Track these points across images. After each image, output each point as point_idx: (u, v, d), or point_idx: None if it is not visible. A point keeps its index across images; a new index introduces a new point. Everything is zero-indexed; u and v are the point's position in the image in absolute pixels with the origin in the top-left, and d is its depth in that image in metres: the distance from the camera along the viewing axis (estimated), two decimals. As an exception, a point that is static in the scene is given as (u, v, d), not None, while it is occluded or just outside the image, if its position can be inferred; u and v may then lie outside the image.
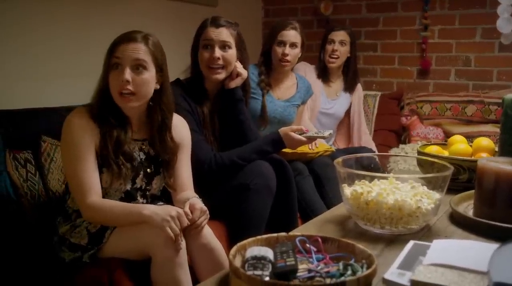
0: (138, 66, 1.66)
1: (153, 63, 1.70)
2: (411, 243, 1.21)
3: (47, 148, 2.12)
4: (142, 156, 1.79)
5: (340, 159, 1.46)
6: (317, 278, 1.00)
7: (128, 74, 1.64)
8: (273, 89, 2.73)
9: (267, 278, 0.97)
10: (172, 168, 1.85)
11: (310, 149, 2.62)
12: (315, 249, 1.12)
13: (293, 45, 2.66)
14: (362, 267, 1.01)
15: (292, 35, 2.67)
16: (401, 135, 3.51)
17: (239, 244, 1.10)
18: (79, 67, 2.64)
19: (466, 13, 3.51)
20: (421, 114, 3.45)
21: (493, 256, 0.94)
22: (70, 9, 2.62)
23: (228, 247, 1.68)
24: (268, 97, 2.67)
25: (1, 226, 1.84)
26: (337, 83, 3.18)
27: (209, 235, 1.71)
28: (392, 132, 3.46)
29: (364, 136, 3.22)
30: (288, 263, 1.03)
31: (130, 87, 1.65)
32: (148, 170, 1.81)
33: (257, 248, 1.09)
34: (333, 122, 3.17)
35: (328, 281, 0.97)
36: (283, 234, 1.19)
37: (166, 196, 1.92)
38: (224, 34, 2.07)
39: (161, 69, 1.74)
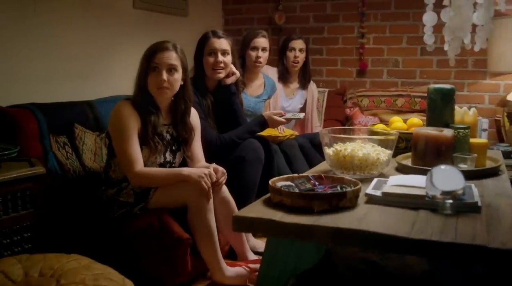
0: (171, 69, 2.24)
1: (180, 66, 2.28)
2: (375, 180, 1.89)
3: (79, 133, 2.64)
4: (169, 137, 2.37)
5: (324, 130, 2.13)
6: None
7: (164, 75, 2.22)
8: (246, 87, 3.34)
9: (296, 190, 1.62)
10: (190, 145, 2.43)
11: (279, 133, 3.28)
12: (317, 183, 1.77)
13: (264, 49, 3.29)
14: (351, 188, 1.68)
15: (263, 41, 3.30)
16: (345, 124, 4.21)
17: (272, 180, 1.73)
18: (93, 68, 3.16)
19: (394, 24, 4.23)
20: (361, 107, 4.18)
21: (427, 177, 1.63)
22: (86, 22, 3.12)
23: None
24: (243, 94, 3.27)
25: (53, 194, 2.35)
26: (294, 84, 3.79)
27: (226, 191, 2.33)
28: (338, 121, 4.14)
29: (315, 128, 3.88)
30: (307, 186, 1.69)
31: (166, 84, 2.23)
32: (173, 147, 2.39)
33: (284, 182, 1.74)
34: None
35: (338, 188, 1.62)
36: (297, 174, 1.84)
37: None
38: (224, 43, 2.69)
39: (185, 70, 2.32)
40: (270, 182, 1.70)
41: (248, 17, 4.70)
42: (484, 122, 3.71)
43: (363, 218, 1.53)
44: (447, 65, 3.82)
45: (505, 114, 3.62)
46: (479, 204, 1.60)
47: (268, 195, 1.71)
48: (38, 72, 2.83)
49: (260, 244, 2.64)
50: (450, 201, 1.56)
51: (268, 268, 1.65)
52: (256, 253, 2.52)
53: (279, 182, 1.73)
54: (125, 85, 3.35)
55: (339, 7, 4.41)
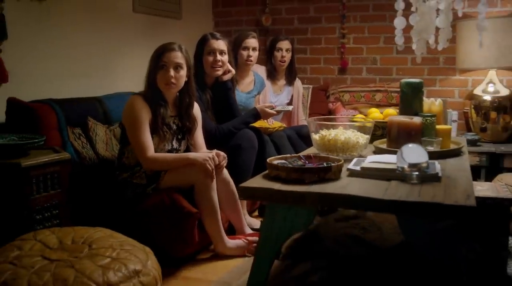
0: (177, 67, 2.57)
1: (185, 64, 2.61)
2: (355, 159, 2.24)
3: (92, 126, 2.94)
4: (175, 127, 2.69)
5: (311, 119, 2.47)
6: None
7: (172, 72, 2.54)
8: (238, 84, 3.67)
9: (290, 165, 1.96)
10: (193, 134, 2.76)
11: (269, 125, 3.61)
12: (307, 161, 2.12)
13: (254, 49, 3.62)
14: (335, 164, 2.02)
15: (253, 41, 3.63)
16: (328, 118, 4.57)
17: (269, 158, 2.07)
18: (98, 67, 3.47)
19: (372, 25, 4.59)
20: (342, 101, 4.54)
21: (398, 153, 1.98)
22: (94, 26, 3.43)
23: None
24: (236, 90, 3.61)
25: (73, 179, 2.65)
26: (281, 81, 4.13)
27: (226, 173, 2.66)
28: (322, 115, 4.46)
29: (301, 121, 4.22)
30: (299, 163, 2.03)
31: (173, 80, 2.56)
32: (179, 136, 2.71)
33: (279, 160, 2.08)
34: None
35: (324, 164, 1.97)
36: (290, 155, 2.18)
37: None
38: (221, 44, 3.02)
39: (189, 68, 2.65)
40: (268, 160, 2.04)
41: (237, 19, 5.02)
42: (454, 114, 4.09)
43: (346, 186, 1.88)
44: (420, 63, 4.19)
45: (472, 107, 4.01)
46: (439, 174, 1.96)
47: (266, 171, 2.05)
48: (50, 70, 3.13)
49: (255, 221, 2.98)
50: (416, 173, 1.92)
51: (268, 232, 1.98)
52: (252, 229, 2.85)
53: (275, 160, 2.08)
54: (127, 82, 3.71)
55: (321, 10, 4.76)
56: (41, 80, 3.05)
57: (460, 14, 2.43)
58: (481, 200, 2.17)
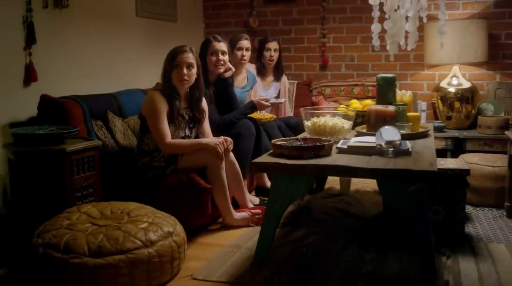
0: (189, 66, 3.02)
1: (195, 64, 3.06)
2: (342, 140, 2.73)
3: (111, 119, 3.37)
4: (187, 117, 3.14)
5: (303, 109, 2.96)
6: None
7: (185, 71, 2.99)
8: (234, 80, 4.12)
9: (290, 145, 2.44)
10: (202, 124, 3.21)
11: (261, 115, 4.08)
12: (303, 142, 2.60)
13: (247, 49, 4.08)
14: (327, 143, 2.51)
15: (246, 43, 4.09)
16: (312, 110, 5.06)
17: (273, 140, 2.55)
18: (110, 66, 3.90)
19: (350, 26, 5.09)
20: (324, 95, 5.03)
21: (377, 134, 2.48)
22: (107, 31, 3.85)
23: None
24: (231, 86, 4.06)
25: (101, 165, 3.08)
26: (270, 77, 4.59)
27: (232, 156, 3.13)
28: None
29: (288, 113, 4.70)
30: (297, 143, 2.51)
31: (186, 77, 3.01)
32: (190, 125, 3.16)
33: (281, 142, 2.56)
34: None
35: (318, 144, 2.46)
36: (289, 137, 2.66)
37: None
38: (223, 46, 3.48)
39: (198, 66, 3.09)
40: (272, 141, 2.53)
41: (226, 21, 5.47)
42: (423, 105, 4.61)
43: (336, 160, 2.37)
44: (393, 60, 4.73)
45: (439, 98, 4.54)
46: (410, 150, 2.46)
47: (270, 151, 2.53)
48: (71, 70, 3.54)
49: (255, 198, 3.45)
50: (391, 149, 2.42)
51: (274, 201, 2.46)
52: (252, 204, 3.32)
53: (278, 142, 2.55)
54: (134, 80, 4.13)
55: (303, 12, 5.24)
56: (63, 79, 3.46)
57: (425, 21, 2.94)
58: (444, 171, 2.70)
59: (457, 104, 4.46)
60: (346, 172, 2.28)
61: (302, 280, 2.30)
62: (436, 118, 4.61)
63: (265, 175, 3.73)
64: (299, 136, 2.84)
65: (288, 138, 2.69)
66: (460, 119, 4.48)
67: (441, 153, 3.99)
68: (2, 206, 2.55)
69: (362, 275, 2.35)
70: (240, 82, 4.16)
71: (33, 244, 2.28)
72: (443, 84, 4.55)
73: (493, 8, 4.68)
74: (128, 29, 4.21)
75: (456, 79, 4.52)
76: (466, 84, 4.48)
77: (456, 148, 4.24)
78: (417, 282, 2.26)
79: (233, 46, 4.08)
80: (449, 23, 4.46)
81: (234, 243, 2.80)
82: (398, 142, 2.44)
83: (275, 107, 4.54)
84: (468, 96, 4.45)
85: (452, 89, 4.47)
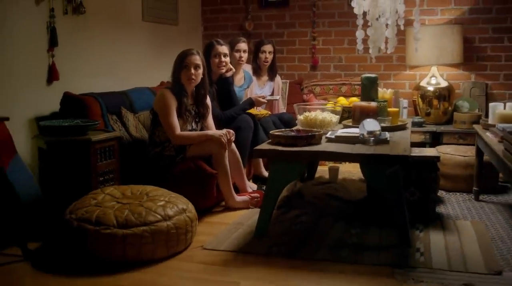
0: (197, 67, 3.42)
1: (202, 65, 3.46)
2: (330, 131, 3.16)
3: (124, 114, 3.76)
4: (193, 112, 3.54)
5: (296, 105, 3.38)
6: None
7: (192, 71, 3.40)
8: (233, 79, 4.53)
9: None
10: (206, 118, 3.62)
11: (257, 111, 4.50)
12: (297, 133, 3.01)
13: (244, 51, 4.48)
14: (318, 133, 2.93)
15: (243, 45, 4.49)
16: (303, 107, 5.48)
17: (271, 131, 2.97)
18: (120, 66, 4.29)
19: (338, 30, 5.51)
20: (314, 93, 5.45)
21: (360, 125, 2.91)
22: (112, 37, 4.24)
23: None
24: (231, 85, 4.47)
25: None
26: (264, 77, 4.99)
27: (234, 146, 3.54)
28: (298, 105, 5.41)
29: (281, 110, 5.11)
30: (292, 134, 2.93)
31: (193, 77, 3.41)
32: (196, 119, 3.57)
33: (278, 132, 2.97)
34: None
35: (310, 134, 2.88)
36: (284, 129, 3.08)
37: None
38: (225, 49, 3.89)
39: (204, 67, 3.50)
40: (270, 132, 2.94)
41: (223, 24, 5.88)
42: (405, 102, 5.05)
43: (326, 147, 2.80)
44: (377, 61, 5.19)
45: (419, 96, 4.98)
46: (388, 139, 2.89)
47: (269, 140, 2.94)
48: (88, 70, 3.93)
49: (253, 185, 3.86)
50: (372, 138, 2.84)
51: (272, 183, 2.87)
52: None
53: (276, 132, 2.97)
54: (141, 79, 4.53)
55: (295, 17, 5.67)
56: (81, 77, 3.86)
57: (402, 28, 3.37)
58: (418, 158, 3.13)
59: (435, 102, 4.90)
60: (334, 157, 2.71)
61: (296, 249, 2.72)
62: (417, 114, 5.05)
63: (262, 165, 4.15)
64: (294, 128, 3.26)
65: (283, 129, 3.11)
66: (438, 116, 4.92)
67: (420, 146, 4.42)
68: (39, 189, 2.93)
69: (348, 244, 2.77)
70: (238, 81, 4.56)
71: (67, 220, 2.68)
72: (423, 83, 4.99)
73: (468, 14, 5.13)
74: (135, 32, 4.60)
75: (434, 79, 4.96)
76: (444, 84, 4.93)
77: (434, 141, 4.68)
78: (394, 249, 2.68)
79: (231, 48, 4.48)
80: (428, 28, 4.91)
81: (237, 221, 3.21)
82: (378, 132, 2.86)
83: (270, 104, 4.95)
84: (445, 95, 4.89)
85: (431, 88, 4.91)
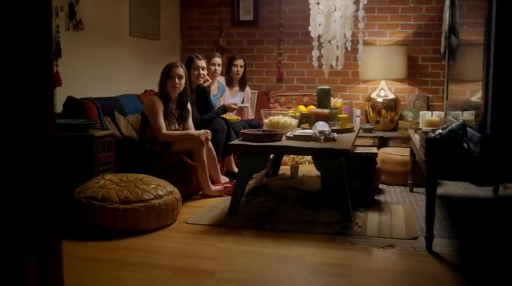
0: (180, 77, 4.11)
1: (184, 76, 4.15)
2: (290, 132, 3.88)
3: (117, 116, 4.41)
4: (177, 115, 4.22)
5: (263, 110, 4.10)
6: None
7: (177, 81, 4.08)
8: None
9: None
10: (187, 120, 4.30)
11: (229, 117, 5.19)
12: (263, 132, 3.72)
13: (219, 65, 5.19)
14: (279, 132, 3.65)
15: (218, 60, 5.18)
16: (270, 115, 6.20)
17: (242, 130, 3.67)
18: (111, 76, 4.94)
19: (301, 47, 6.27)
20: (280, 102, 6.18)
21: (313, 126, 3.64)
22: (109, 50, 4.88)
23: (217, 150, 4.27)
24: (206, 93, 5.16)
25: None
26: (236, 88, 5.69)
27: (210, 144, 4.23)
28: (265, 113, 6.13)
29: (250, 117, 5.82)
30: (259, 133, 3.64)
31: (177, 86, 4.09)
32: (179, 121, 4.25)
33: (248, 131, 3.68)
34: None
35: (273, 132, 3.60)
36: (252, 129, 3.79)
37: (182, 134, 4.37)
38: (203, 63, 4.58)
39: (186, 77, 4.18)
40: (241, 131, 3.65)
41: (199, 39, 6.58)
42: (358, 112, 5.82)
43: (285, 143, 3.52)
44: (335, 75, 5.97)
45: (370, 106, 5.77)
46: (335, 138, 3.63)
47: (240, 138, 3.65)
48: (86, 78, 4.57)
49: (226, 178, 4.55)
50: (322, 136, 3.58)
51: (242, 172, 3.57)
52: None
53: (246, 131, 3.67)
54: (129, 87, 5.17)
55: (264, 35, 6.41)
56: (79, 84, 4.50)
57: (349, 49, 4.14)
58: (360, 154, 3.87)
59: (383, 112, 5.69)
60: (292, 151, 3.43)
61: (261, 224, 3.41)
62: (368, 122, 5.83)
63: (233, 162, 4.84)
64: (260, 129, 3.97)
65: (252, 130, 3.82)
66: (385, 123, 5.71)
67: (368, 148, 5.18)
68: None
69: (302, 220, 3.48)
70: (212, 91, 5.25)
71: (77, 198, 3.31)
72: (373, 95, 5.78)
73: (412, 37, 5.96)
74: (124, 46, 5.27)
75: (383, 92, 5.75)
76: (391, 96, 5.73)
77: (381, 144, 5.46)
78: (338, 224, 3.40)
79: (208, 61, 5.18)
80: (378, 48, 5.72)
81: (213, 205, 3.90)
82: (327, 132, 3.60)
83: (240, 111, 5.65)
84: (392, 105, 5.69)
85: (380, 100, 5.70)
